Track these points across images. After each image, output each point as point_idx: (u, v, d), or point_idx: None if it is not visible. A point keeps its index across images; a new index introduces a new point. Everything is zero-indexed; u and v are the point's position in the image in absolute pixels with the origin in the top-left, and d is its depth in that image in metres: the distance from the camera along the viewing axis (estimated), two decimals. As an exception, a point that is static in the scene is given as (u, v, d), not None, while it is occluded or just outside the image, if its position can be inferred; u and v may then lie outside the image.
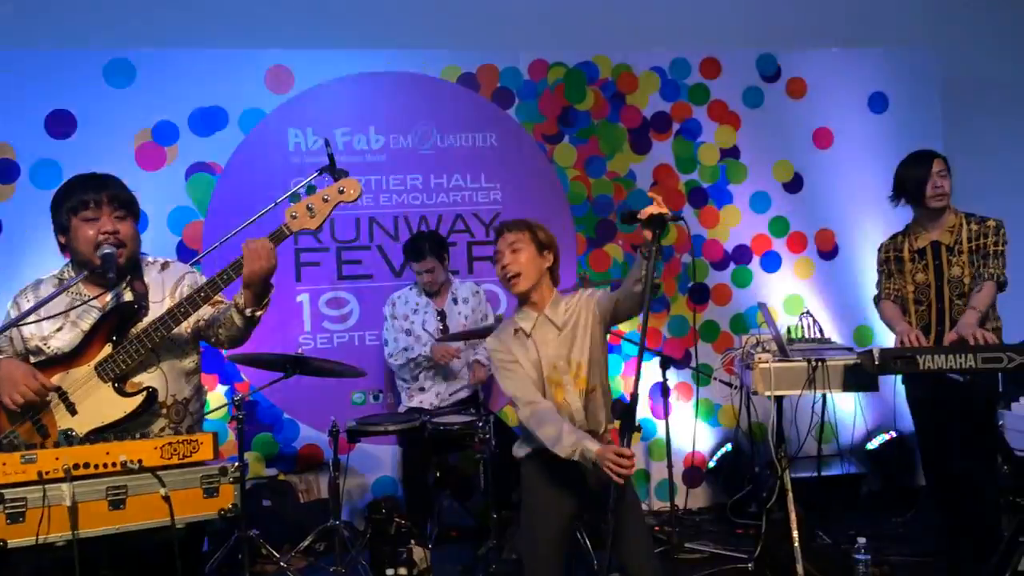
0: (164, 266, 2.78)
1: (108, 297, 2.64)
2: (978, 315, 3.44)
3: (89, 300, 2.62)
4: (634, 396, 2.61)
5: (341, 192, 2.61)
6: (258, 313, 2.64)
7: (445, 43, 5.38)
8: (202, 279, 2.71)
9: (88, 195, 2.56)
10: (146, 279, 2.70)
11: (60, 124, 4.76)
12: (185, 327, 2.69)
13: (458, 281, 4.83)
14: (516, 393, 2.80)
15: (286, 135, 5.02)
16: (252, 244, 2.53)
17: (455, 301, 4.74)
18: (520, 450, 2.91)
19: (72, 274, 2.67)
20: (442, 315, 4.65)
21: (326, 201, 2.60)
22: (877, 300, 3.86)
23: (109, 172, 2.71)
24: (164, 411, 2.64)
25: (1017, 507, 3.43)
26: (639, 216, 2.59)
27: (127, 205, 2.63)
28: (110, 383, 2.54)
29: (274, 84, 5.01)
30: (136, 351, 2.54)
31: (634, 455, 2.56)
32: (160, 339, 2.55)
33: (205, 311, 2.69)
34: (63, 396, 2.52)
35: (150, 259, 2.78)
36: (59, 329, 2.61)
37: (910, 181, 3.64)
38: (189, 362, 2.75)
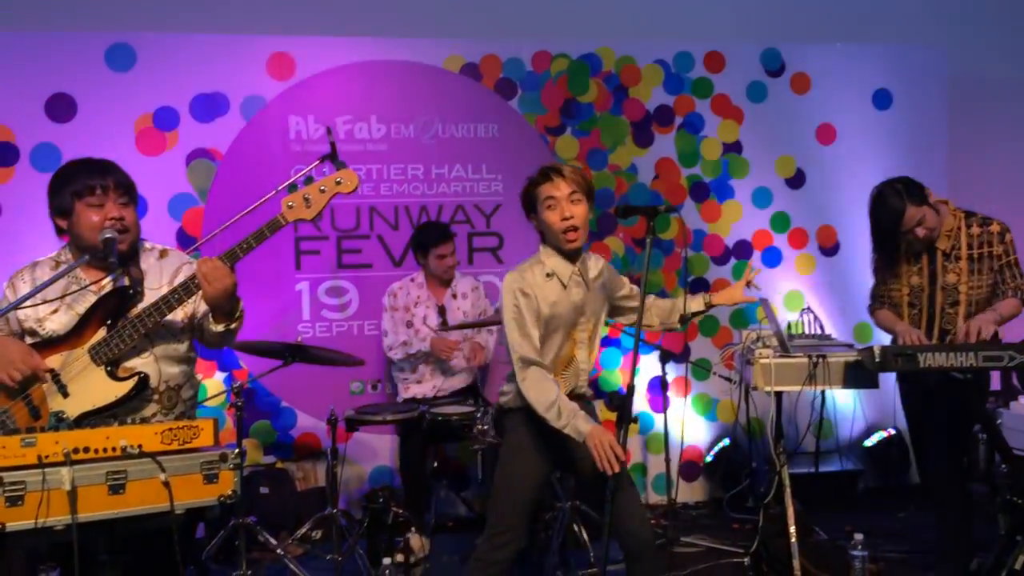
0: (163, 254, 2.77)
1: (106, 282, 2.63)
2: (996, 316, 3.32)
3: (87, 286, 2.61)
4: (630, 388, 2.61)
5: (338, 183, 2.59)
6: (232, 326, 2.64)
7: (448, 32, 5.35)
8: None
9: (94, 180, 2.55)
10: (143, 265, 2.69)
11: (60, 107, 4.74)
12: (182, 315, 2.69)
13: (459, 275, 4.82)
14: (518, 348, 2.76)
15: (287, 122, 5.00)
16: (203, 268, 2.48)
17: (454, 296, 4.73)
18: (511, 401, 2.87)
19: (69, 257, 2.66)
20: (442, 310, 4.65)
21: (323, 192, 2.59)
22: (871, 310, 3.77)
23: (109, 157, 2.70)
24: (156, 397, 2.64)
25: (1014, 506, 3.41)
26: None
27: (130, 191, 2.63)
28: (103, 367, 2.53)
29: (276, 71, 4.99)
30: (130, 336, 2.53)
31: (625, 452, 2.58)
32: (153, 325, 2.55)
33: (201, 305, 2.68)
34: (56, 378, 2.52)
35: (148, 245, 2.77)
36: (55, 311, 2.60)
37: (886, 243, 3.53)
38: (183, 349, 2.74)
